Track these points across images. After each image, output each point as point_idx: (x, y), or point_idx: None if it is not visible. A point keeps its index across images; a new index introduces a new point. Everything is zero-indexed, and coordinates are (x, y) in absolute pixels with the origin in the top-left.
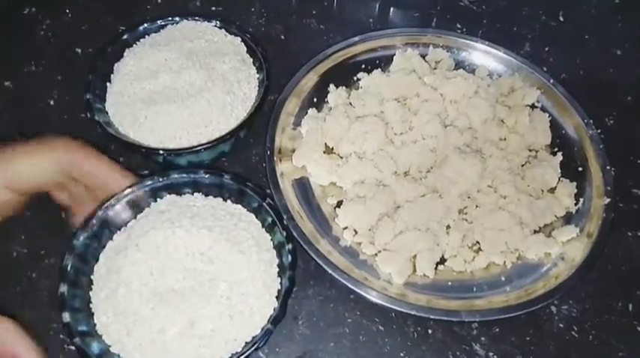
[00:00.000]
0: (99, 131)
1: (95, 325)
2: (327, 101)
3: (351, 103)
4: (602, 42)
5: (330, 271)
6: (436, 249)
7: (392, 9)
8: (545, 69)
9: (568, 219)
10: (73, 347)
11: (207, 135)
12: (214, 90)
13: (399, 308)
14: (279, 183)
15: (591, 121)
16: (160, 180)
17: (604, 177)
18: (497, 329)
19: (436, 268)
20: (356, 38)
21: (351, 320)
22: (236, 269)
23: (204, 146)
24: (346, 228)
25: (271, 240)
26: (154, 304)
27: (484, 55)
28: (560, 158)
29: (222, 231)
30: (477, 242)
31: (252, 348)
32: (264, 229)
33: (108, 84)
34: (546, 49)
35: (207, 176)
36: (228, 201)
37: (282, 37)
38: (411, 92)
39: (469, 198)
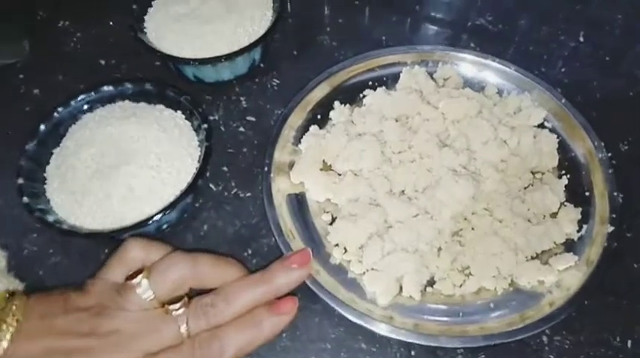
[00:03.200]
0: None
1: (51, 207)
2: (331, 118)
3: (353, 121)
4: (623, 64)
5: (316, 291)
6: (424, 271)
7: (403, 27)
8: (559, 90)
9: (569, 246)
10: None
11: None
12: (232, 16)
13: (378, 331)
14: (273, 201)
15: (602, 144)
16: (93, 94)
17: (610, 203)
18: (483, 356)
19: (425, 291)
20: (365, 54)
21: (334, 335)
22: (163, 144)
23: (224, 56)
24: (337, 245)
25: (191, 125)
26: (97, 179)
27: (494, 73)
28: (565, 182)
29: (148, 118)
30: (468, 266)
31: (184, 199)
32: (184, 116)
33: (144, 18)
34: (562, 69)
35: (130, 86)
36: (152, 104)
37: (295, 52)
38: (413, 111)
39: (465, 220)
